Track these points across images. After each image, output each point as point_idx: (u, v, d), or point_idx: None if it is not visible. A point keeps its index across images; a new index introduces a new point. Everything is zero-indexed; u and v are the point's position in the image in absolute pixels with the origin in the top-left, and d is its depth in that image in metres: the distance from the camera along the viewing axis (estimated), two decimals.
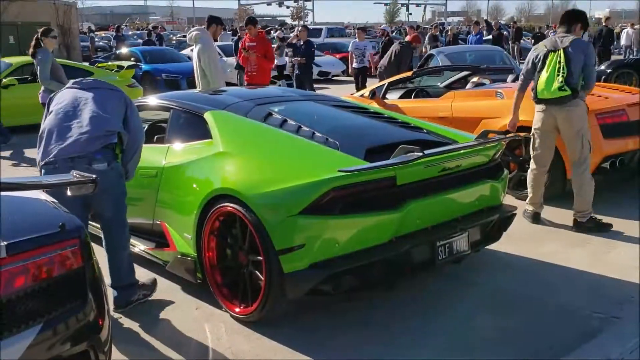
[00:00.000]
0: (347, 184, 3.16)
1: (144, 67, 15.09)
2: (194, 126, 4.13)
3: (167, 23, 59.98)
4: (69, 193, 2.44)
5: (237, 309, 3.49)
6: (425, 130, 4.13)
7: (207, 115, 4.01)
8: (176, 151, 4.07)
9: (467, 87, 7.28)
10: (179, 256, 3.84)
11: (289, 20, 69.21)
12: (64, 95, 3.71)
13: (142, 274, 4.02)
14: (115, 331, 2.99)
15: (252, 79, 8.80)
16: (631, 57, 19.69)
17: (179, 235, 3.85)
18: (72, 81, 3.86)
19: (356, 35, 13.85)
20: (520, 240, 4.62)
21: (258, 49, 8.71)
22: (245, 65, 8.88)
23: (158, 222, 4.07)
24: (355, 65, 13.05)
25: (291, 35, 24.05)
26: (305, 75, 12.00)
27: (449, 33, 20.16)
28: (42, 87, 7.71)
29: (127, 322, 3.61)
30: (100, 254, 2.87)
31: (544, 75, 4.85)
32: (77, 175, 2.32)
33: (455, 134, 4.13)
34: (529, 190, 5.17)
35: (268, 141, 3.74)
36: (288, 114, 4.00)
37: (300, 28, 13.61)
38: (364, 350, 3.22)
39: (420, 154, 3.22)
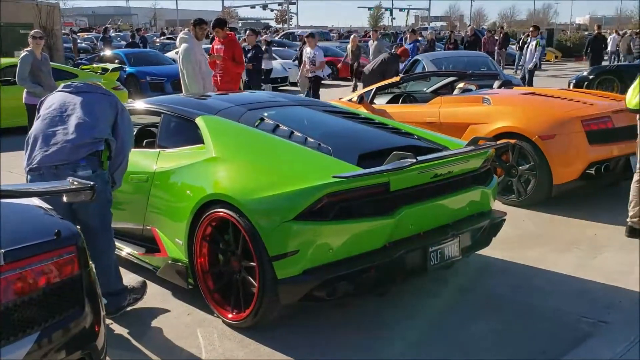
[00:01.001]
0: (341, 189, 3.17)
1: (128, 69, 15.00)
2: (185, 131, 4.12)
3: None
4: (64, 200, 2.42)
5: (230, 315, 3.48)
6: (415, 136, 4.16)
7: (199, 120, 4.00)
8: (167, 156, 4.05)
9: (454, 92, 7.34)
10: (170, 262, 3.82)
11: (273, 23, 69.23)
12: (54, 99, 3.67)
13: (132, 279, 4.00)
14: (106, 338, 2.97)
15: (219, 84, 8.35)
16: (615, 63, 20.11)
17: (170, 241, 3.83)
18: (63, 85, 3.82)
19: (306, 42, 12.26)
20: (509, 245, 4.67)
21: (226, 52, 8.31)
22: (213, 69, 8.40)
23: (149, 228, 4.04)
24: (308, 74, 11.77)
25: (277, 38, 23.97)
26: (253, 82, 11.49)
27: (428, 38, 20.33)
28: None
29: (118, 329, 3.58)
30: None
31: (634, 83, 4.75)
32: (75, 183, 2.31)
33: (445, 139, 4.17)
34: (631, 203, 4.89)
35: (261, 146, 3.74)
36: (280, 119, 4.01)
37: (247, 32, 12.70)
38: (358, 355, 3.24)
39: (414, 160, 3.24)
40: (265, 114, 4.10)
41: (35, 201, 2.50)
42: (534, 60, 14.61)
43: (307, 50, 11.97)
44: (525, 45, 15.64)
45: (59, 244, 2.19)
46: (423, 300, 3.86)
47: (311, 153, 3.56)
